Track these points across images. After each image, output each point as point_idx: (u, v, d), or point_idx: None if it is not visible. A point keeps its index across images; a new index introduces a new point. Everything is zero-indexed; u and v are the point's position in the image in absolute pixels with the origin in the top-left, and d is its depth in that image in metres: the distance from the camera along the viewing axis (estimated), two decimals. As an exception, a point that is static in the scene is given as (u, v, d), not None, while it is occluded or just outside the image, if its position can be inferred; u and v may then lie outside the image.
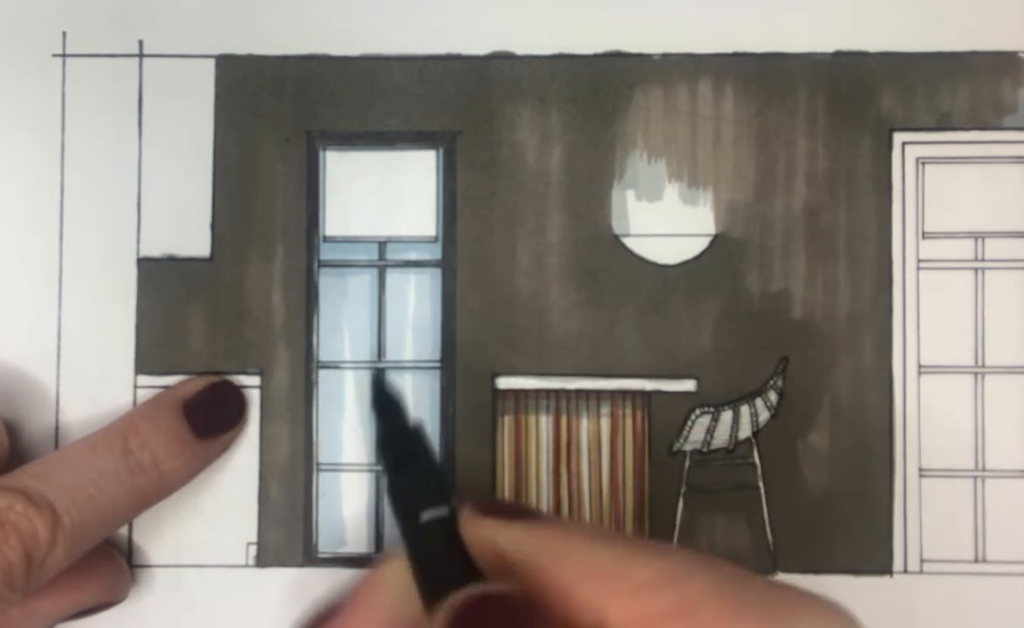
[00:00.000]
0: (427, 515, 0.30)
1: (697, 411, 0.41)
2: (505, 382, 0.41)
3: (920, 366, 0.41)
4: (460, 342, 0.41)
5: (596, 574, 0.26)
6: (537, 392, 0.42)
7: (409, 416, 0.33)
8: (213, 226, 0.41)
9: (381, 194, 0.42)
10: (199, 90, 0.42)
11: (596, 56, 0.42)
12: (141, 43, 0.42)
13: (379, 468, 0.41)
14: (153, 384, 0.41)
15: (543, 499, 0.41)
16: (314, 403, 0.41)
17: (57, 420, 0.41)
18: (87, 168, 0.41)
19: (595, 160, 0.42)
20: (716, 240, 0.41)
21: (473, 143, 0.42)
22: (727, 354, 0.41)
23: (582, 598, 0.26)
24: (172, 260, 0.41)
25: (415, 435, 0.32)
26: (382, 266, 0.42)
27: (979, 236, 0.41)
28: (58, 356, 0.41)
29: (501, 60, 0.42)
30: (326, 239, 0.42)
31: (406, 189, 0.42)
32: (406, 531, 0.30)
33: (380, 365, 0.42)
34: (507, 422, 0.42)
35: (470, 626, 0.25)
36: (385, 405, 0.33)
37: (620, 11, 0.42)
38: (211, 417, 0.39)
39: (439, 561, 0.29)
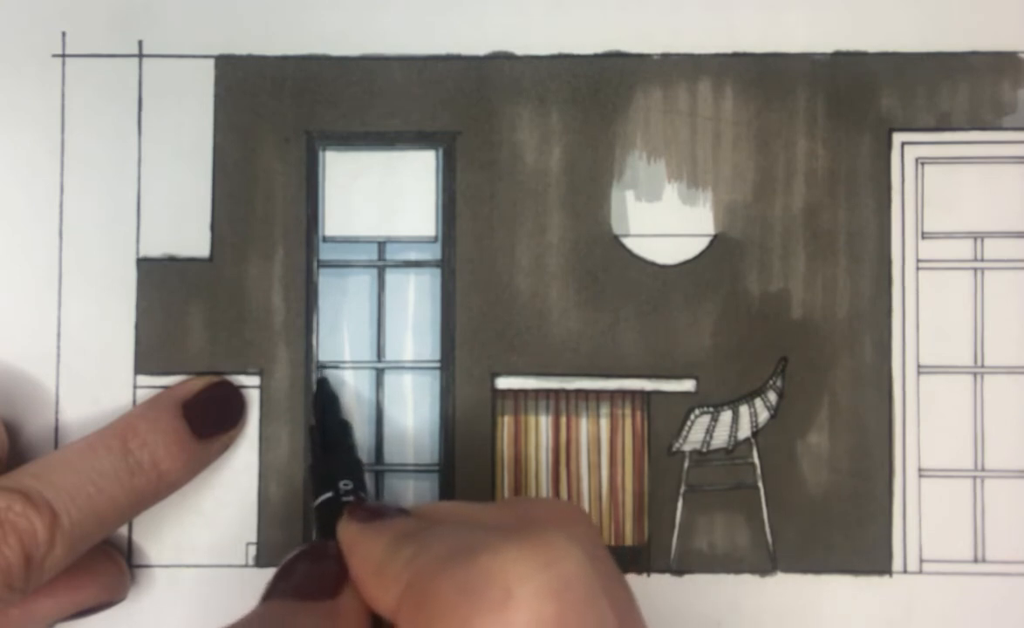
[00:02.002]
0: (319, 499, 0.36)
1: (696, 411, 0.41)
2: (505, 382, 0.41)
3: (919, 366, 0.41)
4: (460, 342, 0.41)
5: (369, 571, 0.30)
6: (537, 392, 0.42)
7: (342, 414, 0.41)
8: (213, 226, 0.42)
9: (381, 194, 0.42)
10: (199, 90, 0.42)
11: (596, 56, 0.42)
12: (141, 43, 0.42)
13: (379, 468, 0.41)
14: (153, 384, 0.41)
15: (543, 499, 0.42)
16: (314, 403, 0.41)
17: (57, 420, 0.41)
18: (87, 168, 0.41)
19: (595, 160, 0.42)
20: (715, 240, 0.41)
21: (473, 143, 0.42)
22: (727, 354, 0.41)
23: (365, 592, 0.30)
24: (172, 260, 0.41)
25: (342, 429, 0.40)
26: (382, 266, 0.42)
27: (978, 236, 0.41)
28: (58, 356, 0.41)
29: (501, 60, 0.42)
30: (326, 239, 0.42)
31: (406, 189, 0.42)
32: (313, 507, 0.37)
33: (380, 365, 0.42)
34: (507, 422, 0.42)
35: (285, 572, 0.32)
36: (323, 400, 0.40)
37: (620, 11, 0.42)
38: (210, 417, 0.39)
39: (324, 535, 0.35)
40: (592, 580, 0.27)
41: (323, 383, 0.41)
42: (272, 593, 0.31)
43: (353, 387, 0.42)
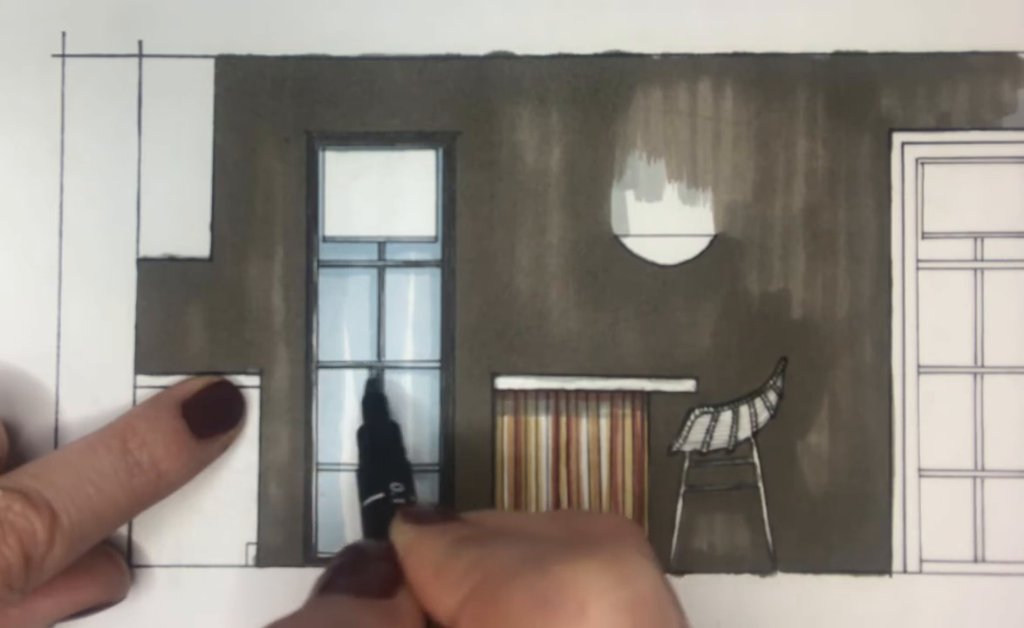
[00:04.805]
0: (368, 500, 0.36)
1: (696, 411, 0.41)
2: (505, 382, 0.41)
3: (919, 366, 0.41)
4: (460, 342, 0.41)
5: (428, 574, 0.30)
6: (537, 392, 0.42)
7: (390, 414, 0.40)
8: (213, 226, 0.42)
9: (381, 194, 0.42)
10: (199, 90, 0.42)
11: (596, 56, 0.42)
12: (141, 43, 0.42)
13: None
14: (153, 384, 0.41)
15: (542, 499, 0.41)
16: (314, 403, 0.41)
17: (57, 420, 0.41)
18: (87, 168, 0.41)
19: (595, 160, 0.42)
20: (715, 240, 0.41)
21: (473, 143, 0.42)
22: (727, 354, 0.41)
23: (422, 594, 0.30)
24: (172, 260, 0.41)
25: (390, 431, 0.39)
26: (382, 266, 0.42)
27: (978, 236, 0.41)
28: (58, 356, 0.41)
29: (501, 60, 0.42)
30: (326, 239, 0.42)
31: (406, 189, 0.42)
32: (360, 510, 0.37)
33: (380, 365, 0.42)
34: (507, 422, 0.42)
35: (342, 568, 0.31)
36: (373, 401, 0.40)
37: (620, 11, 0.42)
38: (210, 417, 0.39)
39: (372, 535, 0.35)
40: (665, 599, 0.27)
41: (373, 383, 0.41)
42: (329, 587, 0.30)
43: (353, 387, 0.42)
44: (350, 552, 0.33)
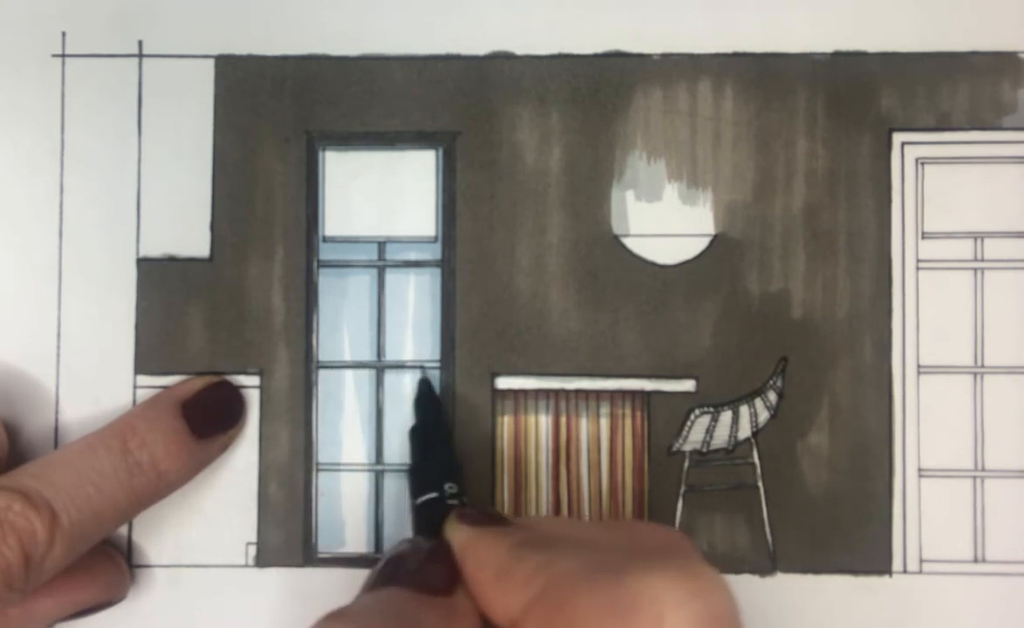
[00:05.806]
0: (422, 498, 0.37)
1: (696, 411, 0.41)
2: (505, 382, 0.41)
3: (919, 366, 0.41)
4: (460, 342, 0.41)
5: (488, 576, 0.30)
6: (536, 392, 0.42)
7: (443, 415, 0.41)
8: (213, 226, 0.42)
9: (381, 194, 0.42)
10: (199, 90, 0.42)
11: (596, 56, 0.42)
12: (141, 43, 0.42)
13: (379, 468, 0.41)
14: (153, 384, 0.41)
15: (542, 499, 0.41)
16: (314, 403, 0.41)
17: (57, 420, 0.41)
18: (87, 168, 0.41)
19: (595, 160, 0.42)
20: (715, 240, 0.41)
21: (473, 143, 0.42)
22: (727, 354, 0.41)
23: (480, 595, 0.30)
24: (172, 260, 0.41)
25: (443, 430, 0.40)
26: (381, 266, 0.42)
27: (978, 236, 0.41)
28: (58, 356, 0.41)
29: (501, 60, 0.42)
30: (326, 239, 0.42)
31: (406, 189, 0.42)
32: (411, 507, 0.38)
33: (380, 365, 0.42)
34: (506, 422, 0.42)
35: (399, 563, 0.32)
36: (425, 401, 0.41)
37: (620, 11, 0.42)
38: (210, 417, 0.39)
39: (426, 534, 0.35)
40: (737, 615, 0.27)
41: (424, 383, 0.41)
42: (387, 581, 0.31)
43: (353, 387, 0.42)
44: (406, 548, 0.33)
